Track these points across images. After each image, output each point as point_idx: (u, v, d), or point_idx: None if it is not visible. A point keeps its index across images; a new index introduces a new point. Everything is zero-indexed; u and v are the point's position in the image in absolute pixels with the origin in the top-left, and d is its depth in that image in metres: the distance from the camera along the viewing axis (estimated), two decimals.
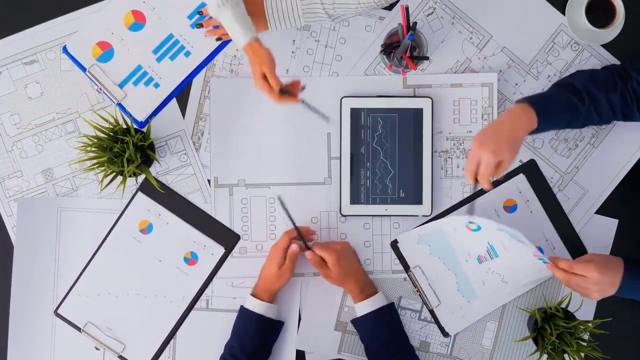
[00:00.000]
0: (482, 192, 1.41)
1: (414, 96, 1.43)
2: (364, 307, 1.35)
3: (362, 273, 1.39)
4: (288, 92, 1.28)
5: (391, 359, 1.32)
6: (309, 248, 1.36)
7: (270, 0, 1.34)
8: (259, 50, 1.26)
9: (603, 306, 1.42)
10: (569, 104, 1.29)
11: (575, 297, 1.37)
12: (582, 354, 1.32)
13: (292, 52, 1.44)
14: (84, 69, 1.43)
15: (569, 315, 1.35)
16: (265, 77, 1.27)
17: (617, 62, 1.43)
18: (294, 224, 1.35)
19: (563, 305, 1.38)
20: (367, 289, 1.37)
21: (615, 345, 1.41)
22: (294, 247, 1.35)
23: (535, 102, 1.28)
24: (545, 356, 1.36)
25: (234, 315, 1.38)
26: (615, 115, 1.33)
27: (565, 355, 1.34)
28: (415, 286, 1.42)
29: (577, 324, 1.31)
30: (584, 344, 1.33)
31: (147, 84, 1.43)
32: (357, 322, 1.37)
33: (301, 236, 1.36)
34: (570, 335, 1.31)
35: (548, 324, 1.33)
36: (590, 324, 1.32)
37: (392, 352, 1.33)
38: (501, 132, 1.24)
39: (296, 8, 1.34)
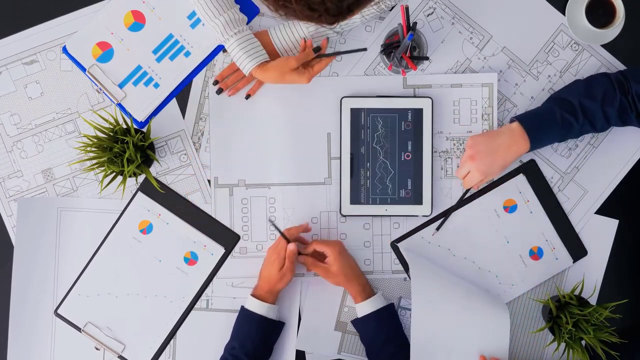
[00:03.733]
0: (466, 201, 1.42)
1: (414, 96, 1.43)
2: (366, 308, 1.35)
3: (361, 273, 1.39)
4: (319, 51, 1.34)
5: (392, 358, 1.33)
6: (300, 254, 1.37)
7: (276, 35, 1.38)
8: (266, 76, 1.33)
9: (617, 289, 1.42)
10: (562, 123, 1.32)
11: (588, 284, 1.38)
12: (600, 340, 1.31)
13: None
14: (83, 69, 1.43)
15: (583, 302, 1.35)
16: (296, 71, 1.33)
17: (618, 63, 1.43)
18: (280, 232, 1.35)
19: (576, 293, 1.37)
20: (367, 289, 1.37)
21: (633, 328, 1.41)
22: (292, 246, 1.34)
23: (529, 125, 1.32)
24: (562, 345, 1.36)
25: (234, 316, 1.38)
26: (611, 125, 1.34)
27: (582, 342, 1.33)
28: None
29: (592, 310, 1.31)
30: (601, 330, 1.31)
31: (147, 84, 1.43)
32: (359, 322, 1.36)
33: (286, 238, 1.35)
34: (586, 322, 1.30)
35: (563, 312, 1.33)
36: (606, 309, 1.31)
37: (392, 351, 1.33)
38: (497, 153, 1.32)
39: (303, 34, 1.37)
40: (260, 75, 1.34)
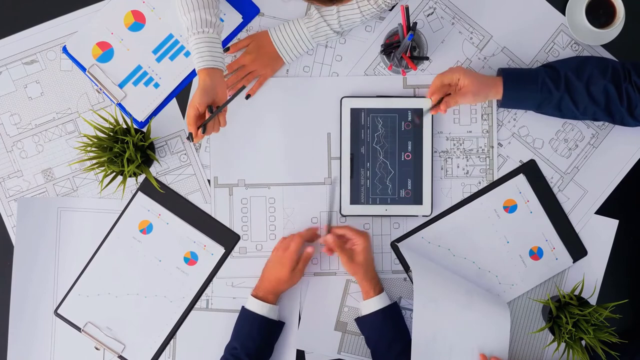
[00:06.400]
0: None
1: (414, 96, 1.43)
2: (373, 305, 1.34)
3: (375, 269, 1.39)
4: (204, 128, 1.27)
5: (398, 357, 1.32)
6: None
7: (276, 36, 1.37)
8: (201, 82, 1.26)
9: (617, 289, 1.42)
10: (542, 87, 1.32)
11: (588, 284, 1.38)
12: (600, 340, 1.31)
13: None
14: (83, 69, 1.43)
15: (583, 302, 1.35)
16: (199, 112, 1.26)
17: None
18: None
19: (576, 293, 1.37)
20: (379, 286, 1.36)
21: (633, 328, 1.41)
22: (309, 249, 1.36)
23: (508, 75, 1.33)
24: (562, 345, 1.36)
25: (234, 316, 1.38)
26: (598, 106, 1.32)
27: (582, 342, 1.33)
28: None
29: (592, 310, 1.30)
30: (601, 330, 1.31)
31: (147, 84, 1.43)
32: (367, 320, 1.35)
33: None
34: (586, 322, 1.30)
35: (563, 312, 1.33)
36: (606, 309, 1.30)
37: (399, 350, 1.32)
38: (486, 84, 1.33)
39: (303, 34, 1.37)
40: (200, 78, 1.27)
